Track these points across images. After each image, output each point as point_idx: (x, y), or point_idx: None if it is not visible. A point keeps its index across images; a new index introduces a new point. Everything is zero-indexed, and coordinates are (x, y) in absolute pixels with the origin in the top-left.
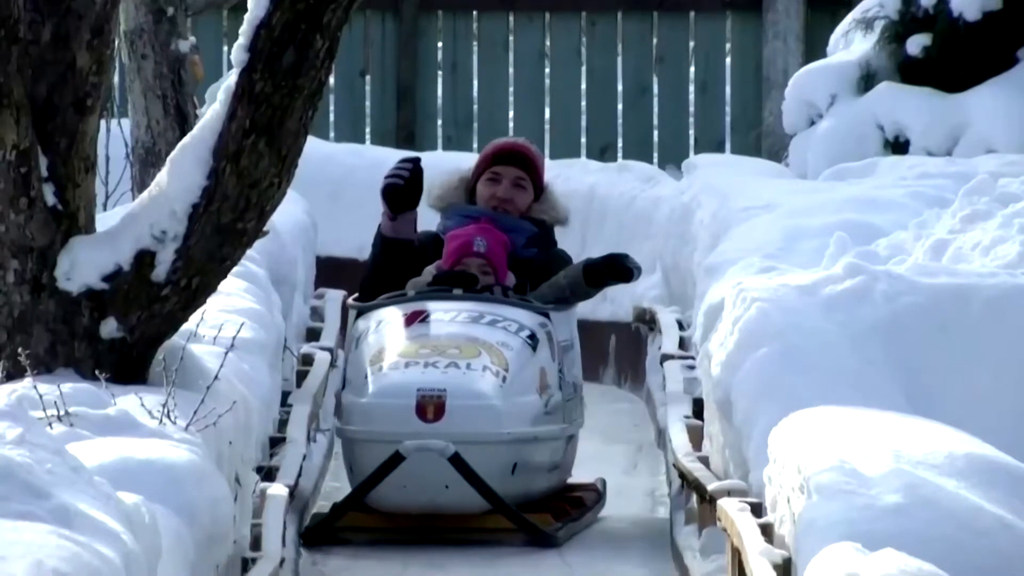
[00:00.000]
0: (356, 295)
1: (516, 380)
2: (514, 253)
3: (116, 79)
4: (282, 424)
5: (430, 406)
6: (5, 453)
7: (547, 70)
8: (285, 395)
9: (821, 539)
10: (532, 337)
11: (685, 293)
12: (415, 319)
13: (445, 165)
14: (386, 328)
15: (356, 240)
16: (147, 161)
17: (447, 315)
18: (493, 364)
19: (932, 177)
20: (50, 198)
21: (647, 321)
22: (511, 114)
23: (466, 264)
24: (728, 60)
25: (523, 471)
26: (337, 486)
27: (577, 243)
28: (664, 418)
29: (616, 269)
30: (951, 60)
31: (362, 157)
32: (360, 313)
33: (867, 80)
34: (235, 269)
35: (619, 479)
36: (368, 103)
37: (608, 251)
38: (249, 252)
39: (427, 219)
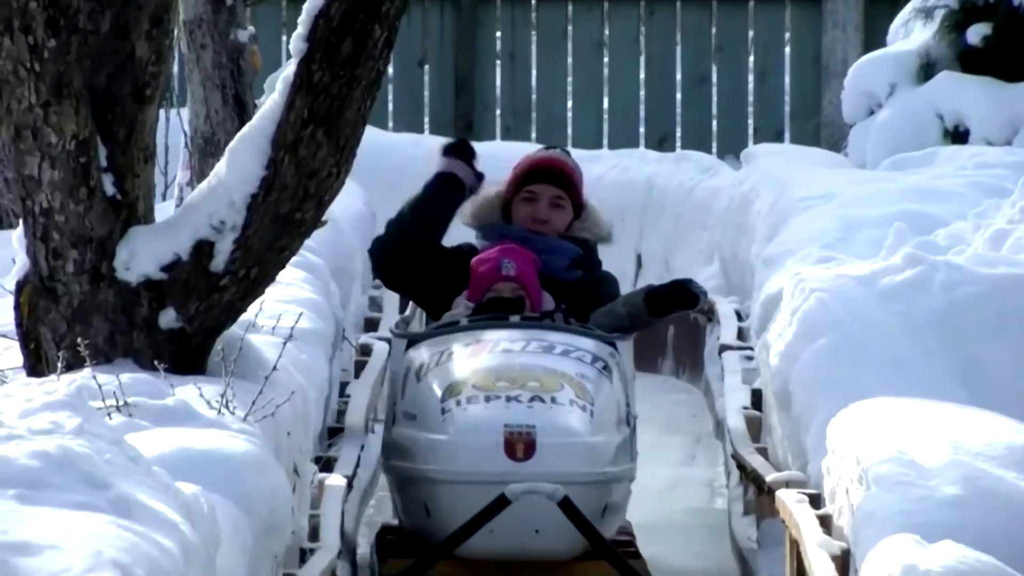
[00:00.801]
0: (397, 322)
1: (600, 415)
2: (556, 276)
3: (175, 69)
4: (340, 415)
5: (519, 443)
6: (64, 443)
7: (605, 59)
8: (343, 385)
9: (879, 530)
10: (606, 368)
11: (743, 283)
12: (482, 349)
13: (504, 154)
14: (451, 359)
15: None
16: (206, 151)
17: (515, 344)
18: (578, 398)
19: (991, 167)
20: (109, 188)
21: (705, 312)
22: (569, 104)
23: (497, 290)
24: (787, 49)
25: (611, 513)
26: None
27: (635, 234)
28: (722, 409)
29: (680, 296)
30: (1011, 49)
31: (421, 147)
32: (411, 343)
33: (927, 69)
34: (293, 259)
35: (677, 470)
36: (427, 93)
37: (666, 242)
38: (307, 242)
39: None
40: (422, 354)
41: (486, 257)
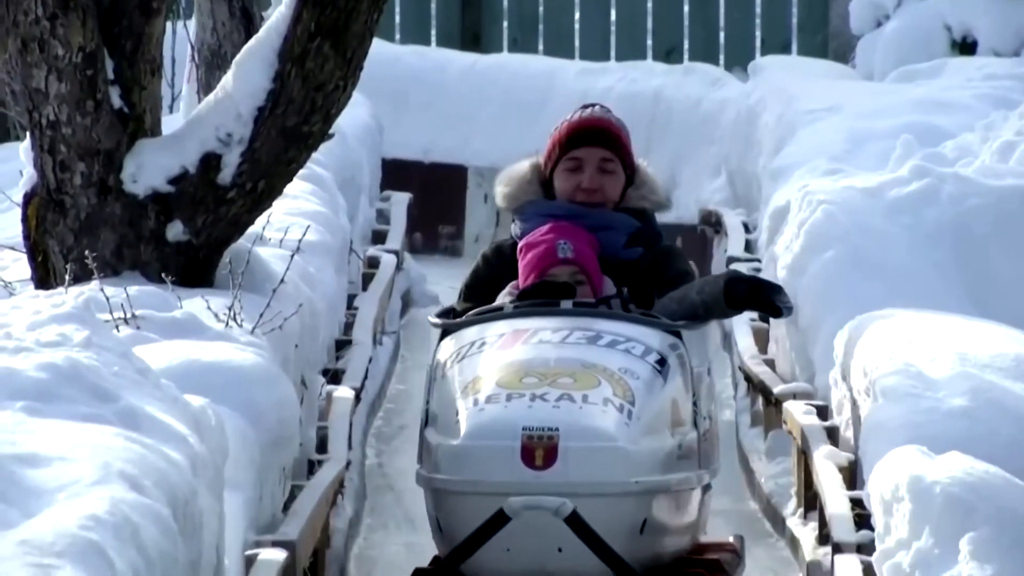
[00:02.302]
0: (438, 311)
1: (644, 416)
2: (614, 256)
3: None
4: (348, 327)
5: (539, 449)
6: (72, 356)
7: None
8: (351, 298)
9: (887, 442)
10: (662, 362)
11: (750, 196)
12: (516, 340)
13: (510, 66)
14: (479, 352)
15: (421, 142)
16: (212, 64)
17: (555, 335)
18: (616, 396)
19: (999, 78)
20: (116, 100)
21: (713, 224)
22: (576, 16)
23: (553, 275)
24: None
25: (653, 529)
26: (403, 388)
27: (642, 146)
28: (729, 321)
29: (765, 302)
30: None
31: (427, 59)
32: (445, 333)
33: None
34: (301, 172)
35: None
36: (433, 5)
37: (673, 155)
38: (315, 155)
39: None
40: (453, 346)
41: (537, 240)
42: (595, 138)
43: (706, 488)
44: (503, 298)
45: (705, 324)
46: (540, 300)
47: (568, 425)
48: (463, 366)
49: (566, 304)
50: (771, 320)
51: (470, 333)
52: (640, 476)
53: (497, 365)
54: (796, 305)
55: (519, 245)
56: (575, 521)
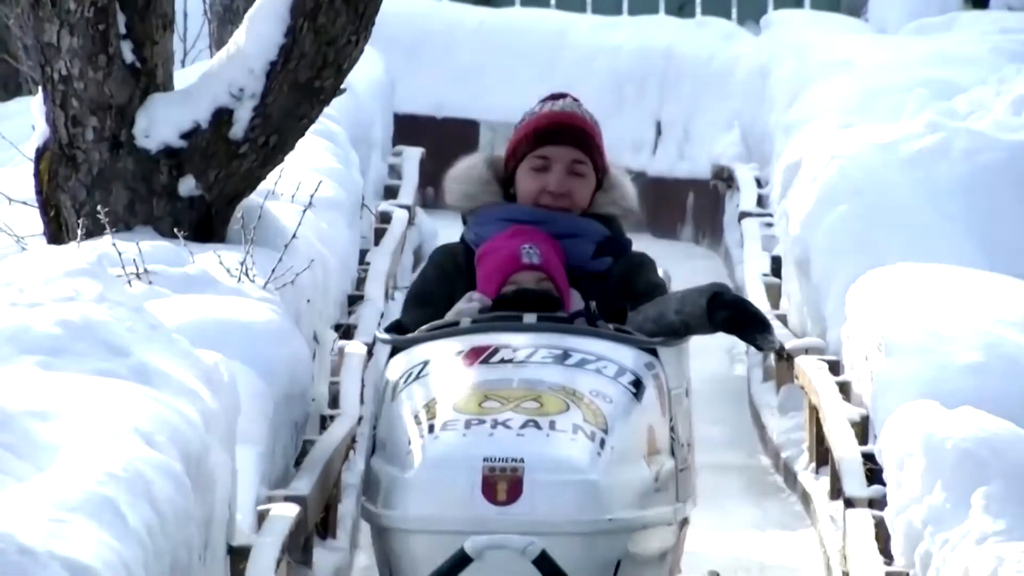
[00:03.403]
0: (386, 325)
1: (618, 444)
2: (581, 266)
3: None
4: (360, 282)
5: (502, 482)
6: (85, 311)
7: None
8: (363, 253)
9: (899, 397)
10: (637, 384)
11: (763, 151)
12: (475, 359)
13: (523, 21)
14: (434, 371)
15: (433, 97)
16: (225, 19)
17: (519, 353)
18: (587, 423)
19: (1013, 32)
20: (128, 55)
21: (725, 179)
22: None
23: (517, 283)
24: None
25: (627, 571)
26: None
27: (654, 102)
28: (742, 275)
29: (747, 331)
30: None
31: (440, 14)
32: (395, 350)
33: None
34: (313, 127)
35: (696, 338)
36: None
37: (685, 110)
38: (327, 110)
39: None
40: (404, 365)
41: (498, 244)
42: (566, 136)
43: (683, 523)
44: (461, 308)
45: (683, 341)
46: (501, 313)
47: (534, 456)
48: (415, 388)
49: (529, 319)
50: (783, 275)
51: (423, 351)
52: (614, 513)
53: (454, 387)
54: (809, 260)
55: (477, 252)
56: (544, 563)
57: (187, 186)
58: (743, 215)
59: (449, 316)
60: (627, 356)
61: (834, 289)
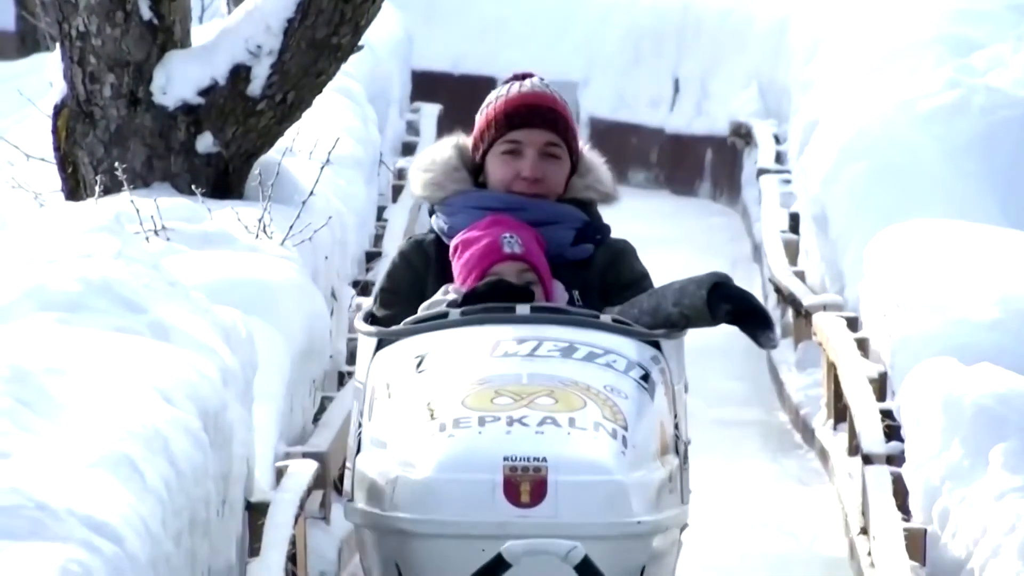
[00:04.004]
0: (363, 315)
1: (638, 443)
2: (560, 254)
3: None
4: (378, 239)
5: (524, 483)
6: (103, 267)
7: None
8: (380, 210)
9: (917, 354)
10: (646, 378)
11: (781, 107)
12: (476, 352)
13: None
14: (433, 366)
15: (451, 53)
16: None
17: (522, 346)
18: (607, 420)
19: None
20: (146, 12)
21: (743, 135)
22: None
23: (498, 273)
24: None
25: (652, 573)
26: None
27: (672, 58)
28: (760, 232)
29: (750, 326)
30: None
31: None
32: (381, 343)
33: None
34: (330, 84)
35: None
36: None
37: (703, 67)
38: (344, 67)
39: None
40: (396, 359)
41: (476, 235)
42: (537, 118)
43: (683, 528)
44: (437, 300)
45: (684, 333)
46: (493, 304)
47: (557, 455)
48: (414, 384)
49: (523, 309)
50: (801, 231)
51: (415, 344)
52: (641, 515)
53: (459, 382)
54: (827, 216)
55: (454, 243)
56: (587, 568)
57: (205, 143)
58: (761, 172)
59: (425, 308)
60: (633, 349)
61: (852, 246)
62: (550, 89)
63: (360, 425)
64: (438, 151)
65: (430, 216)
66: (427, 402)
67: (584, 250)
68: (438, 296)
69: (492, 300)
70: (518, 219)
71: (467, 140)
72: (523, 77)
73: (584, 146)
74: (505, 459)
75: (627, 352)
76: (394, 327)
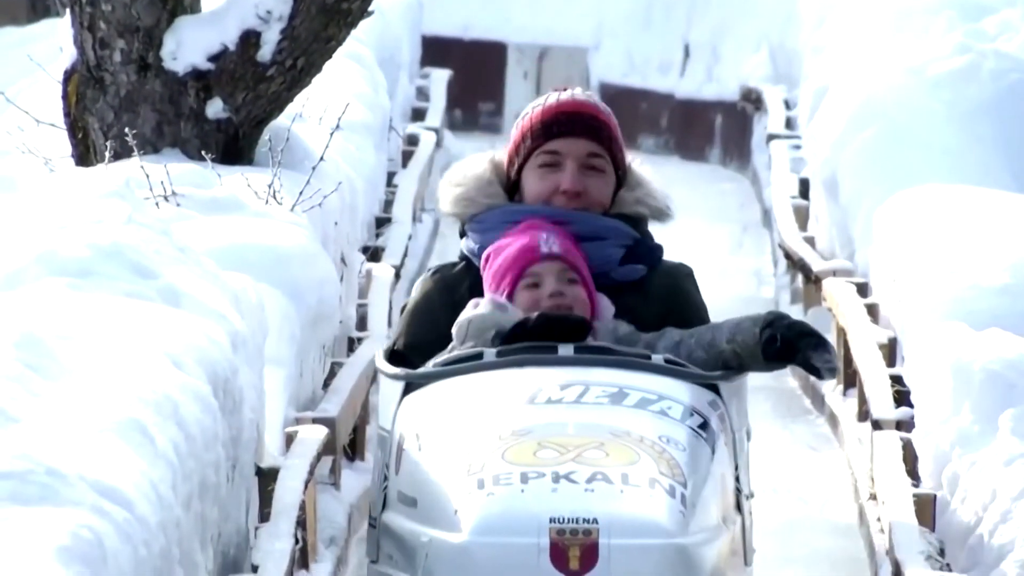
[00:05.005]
0: (384, 351)
1: (699, 500)
2: (606, 273)
3: None
4: (387, 204)
5: (573, 548)
6: (113, 233)
7: None
8: (390, 175)
9: (927, 319)
10: (704, 426)
11: (791, 72)
12: (515, 399)
13: None
14: (468, 414)
15: (461, 18)
16: None
17: (566, 391)
18: (663, 475)
19: None
20: None
21: (753, 100)
22: None
23: (536, 275)
24: None
25: None
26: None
27: (682, 23)
28: (770, 198)
29: (804, 362)
30: None
31: None
32: (409, 387)
33: None
34: (340, 49)
35: (724, 259)
36: None
37: (713, 31)
38: (354, 32)
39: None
40: (426, 405)
41: (509, 239)
42: (578, 126)
43: None
44: (472, 317)
45: (744, 375)
46: (532, 344)
47: (609, 515)
48: (447, 434)
49: (566, 349)
50: (811, 197)
51: (447, 388)
52: None
53: (498, 433)
54: (837, 182)
55: (485, 253)
56: None
57: (215, 108)
58: (771, 137)
59: (454, 330)
60: (689, 394)
61: (862, 211)
62: (593, 98)
63: (385, 478)
64: (471, 165)
65: (461, 239)
66: (462, 455)
67: (634, 271)
68: (468, 312)
69: (540, 335)
70: (561, 230)
71: (503, 156)
72: (562, 89)
73: (634, 160)
74: (551, 520)
75: (683, 397)
76: (423, 369)
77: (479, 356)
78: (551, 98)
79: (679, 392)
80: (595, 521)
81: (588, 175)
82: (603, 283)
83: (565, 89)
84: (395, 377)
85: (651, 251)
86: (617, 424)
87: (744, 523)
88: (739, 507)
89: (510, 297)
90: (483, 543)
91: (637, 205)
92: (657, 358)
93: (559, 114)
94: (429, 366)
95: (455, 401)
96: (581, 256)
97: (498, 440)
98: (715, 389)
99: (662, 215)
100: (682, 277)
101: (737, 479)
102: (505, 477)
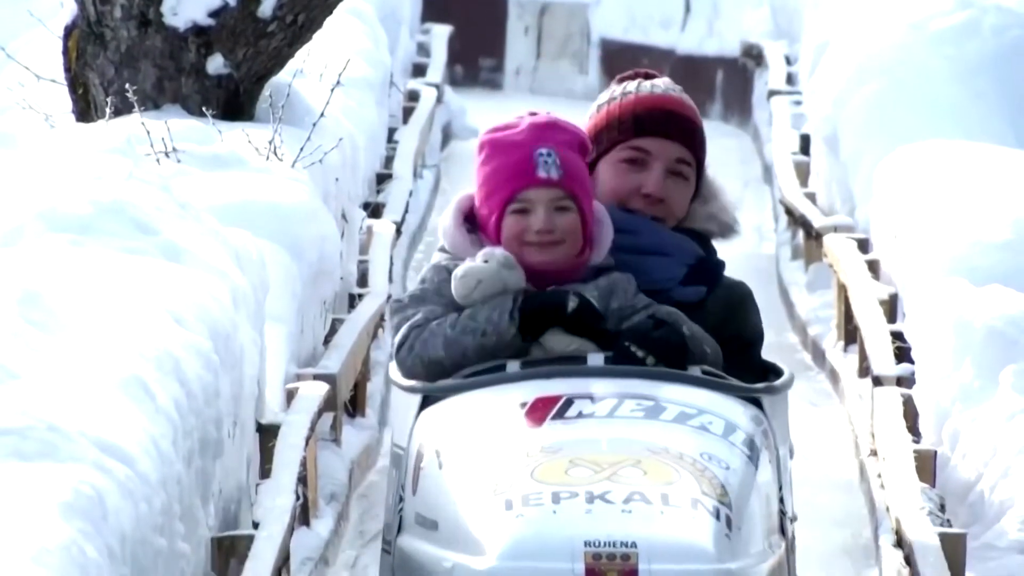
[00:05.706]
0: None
1: (744, 521)
2: (667, 291)
3: None
4: (388, 160)
5: (611, 573)
6: (114, 189)
7: None
8: (391, 131)
9: (928, 275)
10: (750, 444)
11: (792, 27)
12: (544, 412)
13: None
14: (493, 430)
15: None
16: None
17: (601, 405)
18: (706, 495)
19: None
20: None
21: (754, 56)
22: None
23: (528, 201)
24: None
25: None
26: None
27: None
28: (770, 154)
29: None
30: None
31: None
32: (427, 400)
33: None
34: (341, 5)
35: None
36: None
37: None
38: None
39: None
40: (447, 420)
41: (505, 139)
42: (673, 128)
43: None
44: (477, 262)
45: (789, 387)
46: (561, 355)
47: (649, 539)
48: (471, 451)
49: (595, 360)
50: (812, 153)
51: (469, 403)
52: None
53: (525, 450)
54: (838, 138)
55: (481, 140)
56: None
57: (215, 64)
58: (772, 93)
59: (460, 272)
60: (731, 408)
61: (863, 167)
62: (684, 95)
63: (401, 499)
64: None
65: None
66: (488, 473)
67: (696, 292)
68: (478, 262)
69: (535, 321)
70: (629, 242)
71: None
72: (647, 76)
73: (708, 169)
74: (587, 544)
75: (725, 412)
76: (442, 382)
77: (502, 368)
78: (644, 86)
79: (720, 406)
80: (633, 545)
81: (673, 181)
82: (662, 301)
83: (647, 76)
84: (411, 390)
85: (714, 270)
86: (654, 440)
87: (788, 547)
88: (783, 530)
89: (499, 220)
90: (512, 568)
91: (708, 221)
92: (694, 368)
93: (655, 109)
94: (451, 380)
95: (478, 415)
96: (583, 176)
97: (526, 457)
98: (757, 403)
99: (729, 231)
100: (740, 298)
101: (781, 500)
102: (535, 497)
